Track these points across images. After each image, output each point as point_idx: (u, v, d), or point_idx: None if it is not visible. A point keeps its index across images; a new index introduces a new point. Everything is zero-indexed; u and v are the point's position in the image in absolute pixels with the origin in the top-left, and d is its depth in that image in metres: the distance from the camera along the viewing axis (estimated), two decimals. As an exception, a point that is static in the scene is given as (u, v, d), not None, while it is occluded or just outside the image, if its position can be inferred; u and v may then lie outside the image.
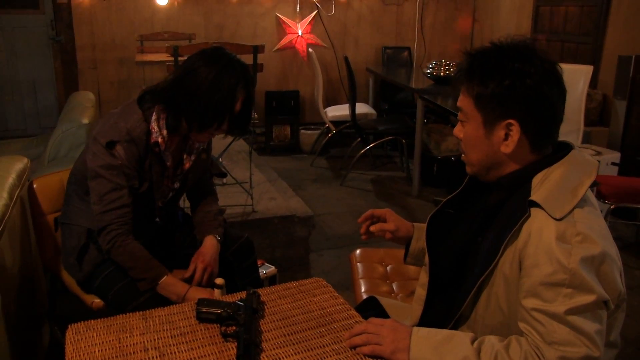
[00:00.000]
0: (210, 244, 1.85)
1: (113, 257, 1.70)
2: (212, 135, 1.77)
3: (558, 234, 1.08)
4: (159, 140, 1.73)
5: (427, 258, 1.37)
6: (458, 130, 1.27)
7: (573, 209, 1.10)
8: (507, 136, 1.18)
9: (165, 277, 1.68)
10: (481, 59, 1.20)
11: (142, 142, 1.70)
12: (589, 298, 1.04)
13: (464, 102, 1.22)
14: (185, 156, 1.86)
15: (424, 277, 1.38)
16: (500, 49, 1.19)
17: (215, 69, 1.64)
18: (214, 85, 1.63)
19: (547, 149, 1.21)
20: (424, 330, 1.18)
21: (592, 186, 1.17)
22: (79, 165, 1.80)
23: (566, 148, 1.21)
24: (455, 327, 1.26)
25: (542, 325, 1.06)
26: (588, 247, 1.06)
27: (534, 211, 1.12)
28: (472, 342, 1.12)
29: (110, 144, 1.66)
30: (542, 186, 1.14)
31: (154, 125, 1.72)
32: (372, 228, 1.52)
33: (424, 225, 1.49)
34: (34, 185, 1.97)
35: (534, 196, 1.13)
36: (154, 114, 1.72)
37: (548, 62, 1.18)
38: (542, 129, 1.18)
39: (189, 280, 1.82)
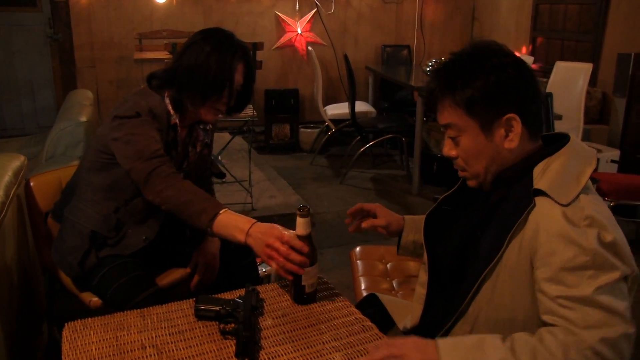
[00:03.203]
0: (211, 240, 1.84)
1: (167, 198, 1.55)
2: (217, 110, 1.74)
3: (567, 218, 1.06)
4: (177, 122, 1.73)
5: (425, 257, 1.36)
6: (449, 149, 1.24)
7: (578, 195, 1.10)
8: (507, 132, 1.17)
9: (226, 210, 1.51)
10: (455, 67, 1.18)
11: (164, 120, 1.70)
12: (614, 275, 1.03)
13: (452, 116, 1.19)
14: (190, 149, 1.85)
15: (423, 276, 1.37)
16: (468, 52, 1.19)
17: (211, 42, 1.67)
18: (211, 56, 1.65)
19: (540, 133, 1.22)
20: (449, 341, 1.13)
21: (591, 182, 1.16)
22: (91, 158, 1.76)
23: (564, 138, 1.21)
24: (455, 323, 1.24)
25: (573, 311, 1.02)
26: (600, 230, 1.05)
27: (538, 200, 1.11)
28: (503, 342, 1.07)
29: (137, 114, 1.64)
30: (545, 175, 1.14)
31: (169, 108, 1.72)
32: (363, 224, 1.51)
33: (417, 217, 1.48)
34: (31, 184, 1.96)
35: (538, 185, 1.12)
36: (166, 98, 1.73)
37: (513, 53, 1.19)
38: (536, 115, 1.19)
39: (190, 277, 1.81)
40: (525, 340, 1.04)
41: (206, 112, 1.73)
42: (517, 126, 1.16)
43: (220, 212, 1.48)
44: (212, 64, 1.65)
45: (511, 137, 1.17)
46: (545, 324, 1.06)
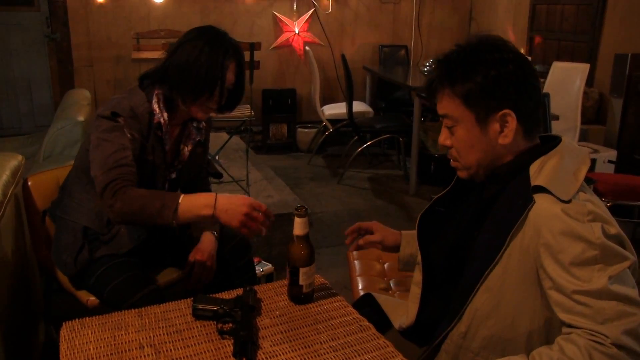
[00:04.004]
0: (207, 240, 1.84)
1: (119, 211, 1.55)
2: (208, 109, 1.75)
3: (569, 215, 1.07)
4: (161, 121, 1.73)
5: (419, 257, 1.37)
6: (445, 139, 1.25)
7: (578, 192, 1.11)
8: (502, 127, 1.18)
9: (184, 195, 1.54)
10: (458, 59, 1.20)
11: (145, 120, 1.70)
12: (624, 265, 1.03)
13: (450, 106, 1.21)
14: (182, 147, 1.86)
15: (418, 276, 1.38)
16: (472, 45, 1.20)
17: (203, 40, 1.67)
18: (202, 54, 1.65)
19: (537, 132, 1.22)
20: None
21: (588, 183, 1.17)
22: (81, 157, 1.79)
23: (555, 139, 1.22)
24: (456, 325, 1.24)
25: (588, 307, 1.02)
26: (603, 224, 1.06)
27: (537, 197, 1.11)
28: None
29: (114, 113, 1.65)
30: (542, 173, 1.14)
31: (155, 107, 1.72)
32: (360, 242, 1.53)
33: (413, 232, 1.48)
34: (29, 183, 1.96)
35: (536, 182, 1.13)
36: (154, 96, 1.73)
37: (517, 50, 1.20)
38: (533, 113, 1.20)
39: (187, 277, 1.81)
40: (548, 355, 1.03)
41: (197, 110, 1.74)
42: (512, 122, 1.17)
43: (180, 200, 1.52)
44: (204, 63, 1.64)
45: (505, 133, 1.18)
46: (563, 324, 1.05)
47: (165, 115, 1.73)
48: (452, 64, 1.20)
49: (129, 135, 1.65)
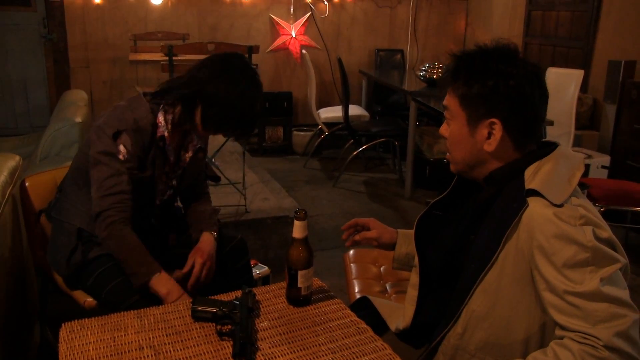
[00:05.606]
0: (207, 240, 1.85)
1: (107, 246, 1.67)
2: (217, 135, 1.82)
3: (561, 219, 1.09)
4: (165, 134, 1.75)
5: (417, 259, 1.38)
6: (444, 129, 1.30)
7: (570, 197, 1.13)
8: (489, 135, 1.21)
9: (158, 274, 1.64)
10: (466, 61, 1.23)
11: (148, 132, 1.72)
12: (615, 267, 1.06)
13: (450, 101, 1.26)
14: (182, 153, 1.87)
15: (414, 278, 1.39)
16: (485, 51, 1.23)
17: (243, 81, 1.68)
18: (240, 97, 1.67)
19: (530, 147, 1.24)
20: None
21: (582, 188, 1.19)
22: (78, 159, 1.80)
23: (552, 145, 1.24)
24: (453, 326, 1.25)
25: (580, 309, 1.04)
26: (594, 228, 1.08)
27: (530, 201, 1.14)
28: None
29: (117, 134, 1.67)
30: (536, 177, 1.16)
31: (160, 119, 1.74)
32: (356, 237, 1.56)
33: (410, 231, 1.50)
34: (27, 184, 1.96)
35: (530, 185, 1.15)
36: (161, 108, 1.74)
37: (530, 65, 1.21)
38: (524, 128, 1.21)
39: (187, 276, 1.81)
40: None
41: (206, 134, 1.80)
42: (498, 132, 1.20)
43: (151, 279, 1.63)
44: (238, 106, 1.67)
45: (490, 141, 1.21)
46: (557, 325, 1.08)
47: (170, 127, 1.76)
48: (461, 63, 1.24)
49: (123, 157, 1.67)
